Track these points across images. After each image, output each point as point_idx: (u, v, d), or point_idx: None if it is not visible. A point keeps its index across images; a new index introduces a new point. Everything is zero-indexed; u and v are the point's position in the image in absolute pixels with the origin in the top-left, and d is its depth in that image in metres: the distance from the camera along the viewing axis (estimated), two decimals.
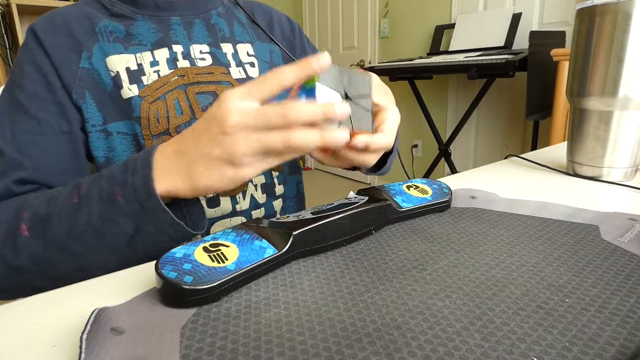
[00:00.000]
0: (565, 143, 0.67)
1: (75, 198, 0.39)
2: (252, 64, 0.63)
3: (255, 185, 0.61)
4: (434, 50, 2.59)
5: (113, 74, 0.53)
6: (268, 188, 0.62)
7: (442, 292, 0.29)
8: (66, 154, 0.51)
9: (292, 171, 0.68)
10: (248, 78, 0.61)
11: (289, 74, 0.34)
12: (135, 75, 0.54)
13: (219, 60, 0.60)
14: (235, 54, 0.62)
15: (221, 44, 0.61)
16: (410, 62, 2.35)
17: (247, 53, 0.63)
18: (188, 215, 0.42)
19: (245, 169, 0.35)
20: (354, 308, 0.28)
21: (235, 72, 0.60)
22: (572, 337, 0.24)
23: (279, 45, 0.67)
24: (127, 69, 0.54)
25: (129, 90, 0.53)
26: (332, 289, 0.30)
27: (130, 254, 0.39)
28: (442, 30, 2.59)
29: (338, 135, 0.34)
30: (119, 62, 0.54)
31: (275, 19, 0.71)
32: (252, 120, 0.34)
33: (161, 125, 0.54)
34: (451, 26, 2.52)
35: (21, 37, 2.35)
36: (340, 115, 0.33)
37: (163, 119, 0.54)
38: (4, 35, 2.50)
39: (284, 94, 0.37)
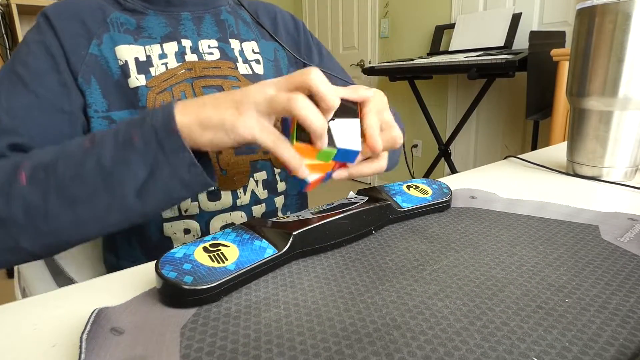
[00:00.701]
0: (565, 143, 0.67)
1: (87, 143, 0.38)
2: (257, 61, 0.64)
3: (257, 181, 0.61)
4: (434, 50, 2.59)
5: (121, 63, 0.54)
6: (269, 184, 0.62)
7: (442, 292, 0.29)
8: (63, 132, 0.50)
9: None
10: (254, 74, 0.62)
11: (316, 83, 0.35)
12: (143, 66, 0.55)
13: (227, 54, 0.61)
14: (242, 51, 0.63)
15: (230, 40, 0.62)
16: (410, 62, 2.35)
17: (253, 50, 0.64)
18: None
19: (243, 116, 0.35)
20: (353, 308, 0.28)
21: (242, 68, 0.61)
22: (572, 337, 0.24)
23: (283, 45, 0.67)
24: (136, 59, 0.54)
25: (137, 79, 0.54)
26: (332, 289, 0.30)
27: (136, 207, 0.37)
28: (442, 30, 2.59)
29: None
30: (128, 52, 0.54)
31: (279, 17, 0.71)
32: (265, 101, 0.35)
33: None
34: (451, 26, 2.52)
35: (21, 37, 2.34)
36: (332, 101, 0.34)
37: None
38: (4, 35, 2.50)
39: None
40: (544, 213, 0.44)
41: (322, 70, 0.73)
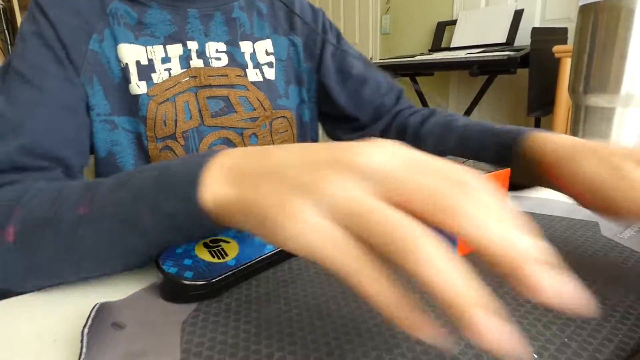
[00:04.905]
0: None
1: (82, 207, 0.29)
2: (270, 64, 0.60)
3: None
4: (436, 46, 2.59)
5: (122, 65, 0.50)
6: None
7: None
8: (69, 128, 0.47)
9: None
10: (265, 81, 0.59)
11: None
12: (145, 71, 0.51)
13: (235, 60, 0.56)
14: (254, 54, 0.58)
15: (240, 42, 0.57)
16: (412, 59, 2.35)
17: (266, 51, 0.60)
18: None
19: (291, 221, 0.19)
20: (354, 303, 0.28)
21: (252, 75, 0.57)
22: (571, 333, 0.24)
23: (302, 19, 0.63)
24: (137, 62, 0.50)
25: (138, 87, 0.50)
26: (332, 285, 0.30)
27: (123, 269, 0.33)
28: (444, 27, 2.59)
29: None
30: (129, 53, 0.50)
31: (297, 3, 0.66)
32: (390, 175, 0.18)
33: (168, 128, 0.51)
34: (453, 22, 2.52)
35: None
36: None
37: (170, 122, 0.51)
38: (5, 30, 2.50)
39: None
40: (544, 209, 0.44)
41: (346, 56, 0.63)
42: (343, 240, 0.18)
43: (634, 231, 0.38)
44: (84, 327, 0.24)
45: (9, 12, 2.45)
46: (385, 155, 0.19)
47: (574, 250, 0.35)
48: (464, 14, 2.46)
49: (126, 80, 0.50)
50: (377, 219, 0.17)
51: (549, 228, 0.39)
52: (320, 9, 0.69)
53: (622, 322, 0.25)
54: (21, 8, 2.30)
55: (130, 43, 0.50)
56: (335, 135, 0.71)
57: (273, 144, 0.60)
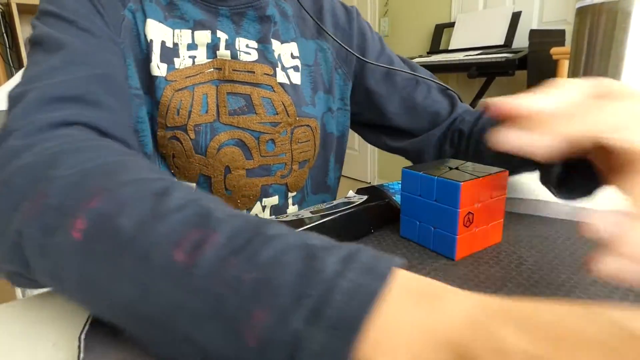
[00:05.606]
0: None
1: (181, 254, 0.20)
2: (295, 68, 0.55)
3: (264, 207, 0.54)
4: (434, 49, 2.59)
5: (148, 41, 0.46)
6: (278, 210, 0.56)
7: None
8: (123, 83, 0.43)
9: (317, 189, 0.61)
10: (292, 85, 0.54)
11: None
12: (168, 54, 0.47)
13: (265, 57, 0.52)
14: (280, 56, 0.54)
15: (272, 40, 0.53)
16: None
17: (292, 54, 0.55)
18: None
19: None
20: None
21: (281, 76, 0.53)
22: None
23: (331, 38, 0.57)
24: (163, 43, 0.47)
25: (157, 67, 0.47)
26: None
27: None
28: (442, 29, 2.59)
29: None
30: (156, 31, 0.47)
31: (327, 6, 0.60)
32: None
33: (180, 118, 0.47)
34: (451, 25, 2.52)
35: (21, 36, 2.35)
36: None
37: (184, 112, 0.47)
38: (4, 34, 2.50)
39: None
40: (543, 212, 0.44)
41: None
42: None
43: None
44: (81, 332, 0.24)
45: (7, 16, 2.46)
46: None
47: (573, 252, 0.35)
48: (462, 16, 2.47)
49: (148, 57, 0.46)
50: None
51: (548, 230, 0.39)
52: (354, 7, 0.63)
53: None
54: (20, 12, 2.30)
55: (159, 22, 0.47)
56: (381, 142, 0.65)
57: (292, 153, 0.55)
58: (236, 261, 0.19)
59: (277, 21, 0.54)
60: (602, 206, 0.46)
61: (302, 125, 0.55)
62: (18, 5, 2.28)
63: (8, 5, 2.31)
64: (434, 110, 0.60)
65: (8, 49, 2.52)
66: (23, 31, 2.36)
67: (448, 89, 0.61)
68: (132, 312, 0.21)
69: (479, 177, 0.33)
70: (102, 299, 0.22)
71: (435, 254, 0.35)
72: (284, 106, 0.53)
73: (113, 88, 0.39)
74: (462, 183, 0.32)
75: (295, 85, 0.55)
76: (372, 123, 0.64)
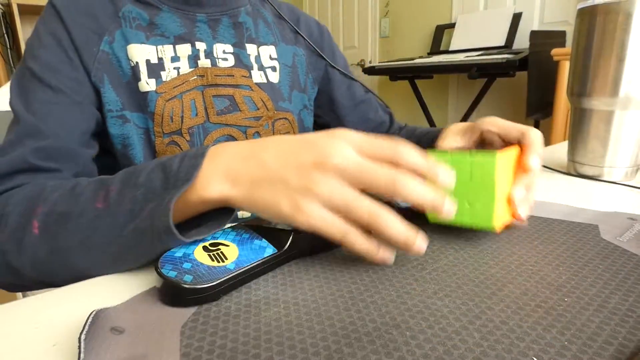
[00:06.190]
0: (566, 143, 0.67)
1: (99, 203, 0.34)
2: (273, 68, 0.62)
3: None
4: (435, 49, 2.60)
5: (132, 64, 0.52)
6: None
7: (441, 292, 0.29)
8: (79, 122, 0.49)
9: None
10: (269, 83, 0.61)
11: (412, 158, 0.31)
12: (155, 70, 0.53)
13: (241, 61, 0.59)
14: (258, 57, 0.61)
15: (246, 44, 0.60)
16: (411, 62, 2.35)
17: (270, 56, 0.63)
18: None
19: (303, 214, 0.30)
20: (353, 307, 0.28)
21: (257, 76, 0.60)
22: (571, 336, 0.24)
23: (306, 41, 0.66)
24: (147, 61, 0.53)
25: (147, 84, 0.52)
26: (331, 288, 0.30)
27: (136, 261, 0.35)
28: (443, 30, 2.59)
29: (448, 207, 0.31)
30: (140, 53, 0.52)
31: (303, 20, 0.70)
32: (354, 171, 0.30)
33: (174, 124, 0.53)
34: (452, 26, 2.52)
35: (22, 36, 2.35)
36: (443, 181, 0.31)
37: (177, 118, 0.53)
38: (5, 34, 2.50)
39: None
40: (544, 212, 0.44)
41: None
42: (336, 219, 0.30)
43: (633, 234, 0.38)
44: (81, 332, 0.24)
45: (8, 16, 2.46)
46: (348, 150, 0.30)
47: (574, 253, 0.35)
48: (462, 17, 2.47)
49: (136, 78, 0.52)
50: (354, 205, 0.30)
51: (549, 231, 0.39)
52: (325, 26, 0.75)
53: (622, 325, 0.25)
54: (21, 12, 2.31)
55: (141, 43, 0.53)
56: None
57: None
58: (128, 191, 0.34)
59: (250, 27, 0.61)
60: (602, 206, 0.46)
61: (280, 118, 0.63)
62: (19, 5, 2.29)
63: (9, 5, 2.31)
64: (380, 122, 0.75)
65: (8, 49, 2.52)
66: (23, 31, 2.36)
67: (387, 107, 0.78)
68: (88, 247, 0.34)
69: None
70: (71, 254, 0.35)
71: (434, 254, 0.35)
72: (263, 102, 0.60)
73: (56, 154, 0.47)
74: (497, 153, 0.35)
75: (272, 83, 0.62)
76: (327, 126, 0.74)
